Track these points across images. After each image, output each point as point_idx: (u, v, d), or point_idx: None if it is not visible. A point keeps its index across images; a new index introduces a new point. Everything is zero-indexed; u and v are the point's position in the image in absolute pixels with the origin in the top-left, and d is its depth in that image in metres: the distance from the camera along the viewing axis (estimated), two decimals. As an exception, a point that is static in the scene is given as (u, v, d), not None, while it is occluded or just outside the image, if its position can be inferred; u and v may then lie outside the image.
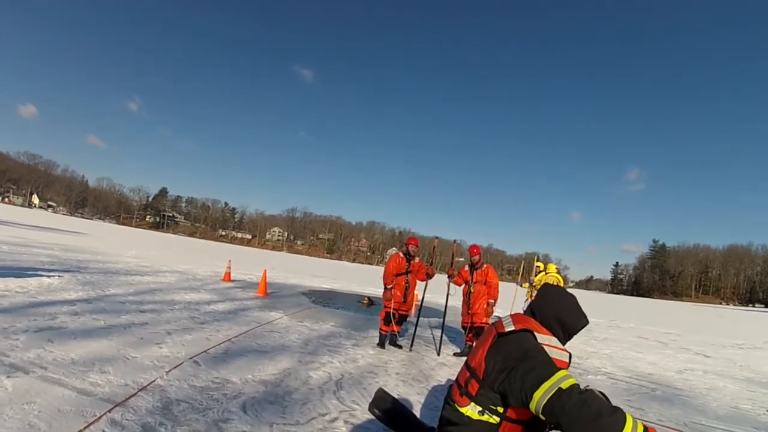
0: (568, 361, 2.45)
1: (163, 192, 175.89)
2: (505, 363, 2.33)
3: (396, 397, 3.84)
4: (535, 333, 2.44)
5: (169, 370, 5.05)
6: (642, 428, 1.92)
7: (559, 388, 2.05)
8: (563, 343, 2.52)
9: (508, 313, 2.81)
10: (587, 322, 2.62)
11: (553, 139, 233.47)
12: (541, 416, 2.09)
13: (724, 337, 19.42)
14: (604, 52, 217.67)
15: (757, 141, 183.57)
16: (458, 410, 2.52)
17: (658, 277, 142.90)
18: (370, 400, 3.20)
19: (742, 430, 5.68)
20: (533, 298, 11.21)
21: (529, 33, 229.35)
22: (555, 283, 10.99)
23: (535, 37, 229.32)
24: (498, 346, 2.47)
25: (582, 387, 2.18)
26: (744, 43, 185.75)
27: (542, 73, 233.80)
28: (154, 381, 4.65)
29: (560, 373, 2.13)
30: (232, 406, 4.28)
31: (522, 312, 2.74)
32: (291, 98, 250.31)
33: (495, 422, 2.40)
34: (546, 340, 2.43)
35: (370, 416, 3.53)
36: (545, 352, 2.33)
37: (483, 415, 2.41)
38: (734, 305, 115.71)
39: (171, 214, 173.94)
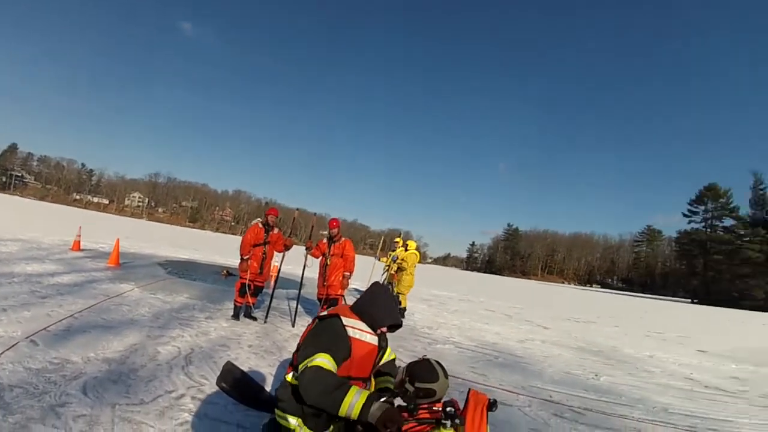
0: (374, 344, 2.78)
1: (13, 148, 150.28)
2: (305, 342, 2.69)
3: (246, 370, 3.73)
4: (342, 317, 2.72)
5: (2, 352, 4.50)
6: (366, 396, 2.28)
7: (307, 366, 2.40)
8: (373, 330, 2.79)
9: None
10: (392, 322, 2.87)
11: (425, 126, 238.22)
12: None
13: (563, 312, 21.37)
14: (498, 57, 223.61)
15: (597, 143, 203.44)
16: (286, 377, 2.80)
17: (509, 257, 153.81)
18: (218, 374, 3.12)
19: (573, 392, 6.12)
20: (392, 271, 11.52)
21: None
22: (413, 258, 11.19)
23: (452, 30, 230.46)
24: (314, 327, 2.78)
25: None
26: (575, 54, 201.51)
27: (418, 61, 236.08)
28: (-15, 366, 4.08)
29: (320, 355, 2.45)
30: (71, 388, 3.88)
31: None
32: (163, 48, 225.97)
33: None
34: (351, 322, 2.72)
35: (219, 391, 3.33)
36: (336, 336, 2.63)
37: (294, 380, 2.66)
38: (575, 285, 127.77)
39: (20, 174, 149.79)
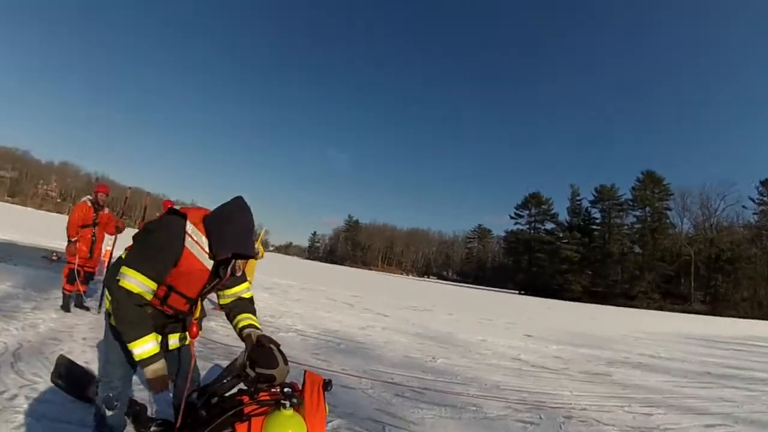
0: (206, 267, 2.53)
1: None
2: (141, 230, 2.65)
3: (82, 364, 3.32)
4: (189, 222, 2.48)
5: None
6: (153, 352, 2.36)
7: (118, 281, 2.34)
8: (214, 251, 2.50)
9: None
10: (234, 251, 2.51)
11: (266, 113, 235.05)
12: None
13: (402, 301, 22.26)
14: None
15: (440, 145, 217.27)
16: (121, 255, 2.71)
17: (350, 248, 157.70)
18: (52, 369, 2.75)
19: (412, 374, 6.38)
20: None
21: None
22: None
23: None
24: (160, 219, 2.64)
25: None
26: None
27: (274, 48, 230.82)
28: None
29: (133, 274, 2.33)
30: None
31: None
32: None
33: None
34: (194, 233, 2.48)
35: (55, 388, 3.15)
36: (167, 243, 2.42)
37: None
38: (413, 276, 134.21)
39: None
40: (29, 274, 10.14)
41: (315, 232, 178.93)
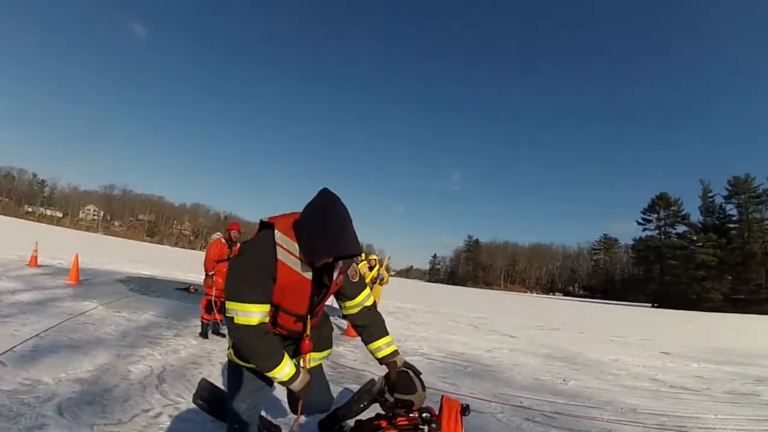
0: (305, 276, 2.34)
1: None
2: (232, 263, 2.42)
3: (220, 386, 3.65)
4: (277, 230, 2.31)
5: None
6: (293, 372, 2.30)
7: (233, 320, 2.22)
8: (307, 258, 2.29)
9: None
10: (334, 255, 2.26)
11: (383, 135, 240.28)
12: None
13: (528, 320, 21.71)
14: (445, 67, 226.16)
15: (557, 157, 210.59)
16: None
17: (471, 268, 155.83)
18: (194, 391, 3.04)
19: (542, 397, 6.25)
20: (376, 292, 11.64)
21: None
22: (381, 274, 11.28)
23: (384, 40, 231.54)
24: (250, 241, 2.47)
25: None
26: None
27: (380, 76, 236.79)
28: (-45, 389, 3.93)
29: (244, 307, 2.20)
30: (47, 409, 3.75)
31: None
32: (112, 52, 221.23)
33: None
34: (284, 241, 2.29)
35: (195, 408, 3.34)
36: (259, 264, 2.25)
37: None
38: (537, 294, 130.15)
39: None
40: (169, 304, 11.10)
41: (435, 255, 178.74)
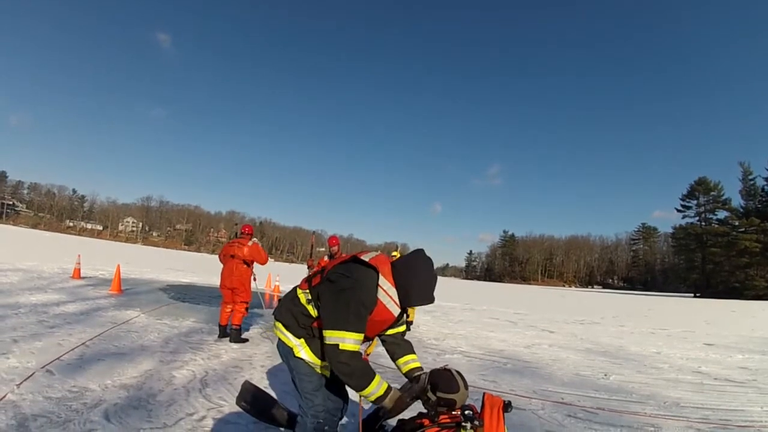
0: (395, 314, 2.74)
1: (2, 176, 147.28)
2: (330, 276, 2.71)
3: (262, 388, 3.72)
4: (381, 275, 2.68)
5: (20, 383, 4.50)
6: (385, 388, 2.61)
7: (338, 346, 2.49)
8: (402, 304, 2.73)
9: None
10: (428, 302, 2.75)
11: (419, 132, 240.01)
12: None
13: (567, 315, 21.42)
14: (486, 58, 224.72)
15: (591, 146, 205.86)
16: (296, 289, 2.98)
17: (508, 263, 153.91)
18: (237, 394, 3.11)
19: (583, 393, 6.18)
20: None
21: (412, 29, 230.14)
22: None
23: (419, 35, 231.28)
24: (346, 262, 2.78)
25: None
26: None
27: (419, 71, 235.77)
28: (5, 396, 4.11)
29: (351, 336, 2.50)
30: (94, 415, 3.89)
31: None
32: (144, 69, 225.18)
33: (313, 315, 2.78)
34: (386, 286, 2.67)
35: (239, 410, 3.49)
36: (367, 299, 2.60)
37: (309, 304, 2.81)
38: (575, 287, 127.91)
39: (11, 203, 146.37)
40: (210, 310, 11.32)
41: (471, 251, 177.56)
